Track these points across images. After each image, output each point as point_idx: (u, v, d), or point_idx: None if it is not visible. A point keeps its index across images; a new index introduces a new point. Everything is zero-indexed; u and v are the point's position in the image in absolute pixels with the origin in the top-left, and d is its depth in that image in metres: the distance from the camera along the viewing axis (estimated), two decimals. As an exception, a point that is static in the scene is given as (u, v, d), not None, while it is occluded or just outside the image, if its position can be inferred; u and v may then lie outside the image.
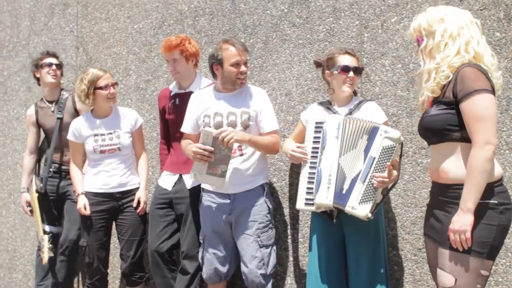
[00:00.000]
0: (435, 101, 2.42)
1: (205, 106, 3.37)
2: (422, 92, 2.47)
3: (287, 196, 3.73)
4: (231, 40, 3.34)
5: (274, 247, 3.37)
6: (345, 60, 3.12)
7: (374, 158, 2.85)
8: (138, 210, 3.76)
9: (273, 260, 3.34)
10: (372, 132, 2.89)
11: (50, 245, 3.95)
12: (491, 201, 2.28)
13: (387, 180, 2.84)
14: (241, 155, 3.29)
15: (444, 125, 2.35)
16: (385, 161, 2.84)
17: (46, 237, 3.95)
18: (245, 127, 3.29)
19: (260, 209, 3.30)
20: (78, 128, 3.79)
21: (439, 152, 2.43)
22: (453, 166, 2.36)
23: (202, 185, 3.42)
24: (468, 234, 2.24)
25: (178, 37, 3.63)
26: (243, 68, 3.29)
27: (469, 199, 2.24)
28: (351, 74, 3.10)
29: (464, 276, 2.28)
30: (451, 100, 2.34)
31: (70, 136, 3.82)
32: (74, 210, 3.99)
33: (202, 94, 3.46)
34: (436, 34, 2.41)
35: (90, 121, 3.80)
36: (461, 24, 2.39)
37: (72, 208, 4.05)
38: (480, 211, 2.26)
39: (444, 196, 2.39)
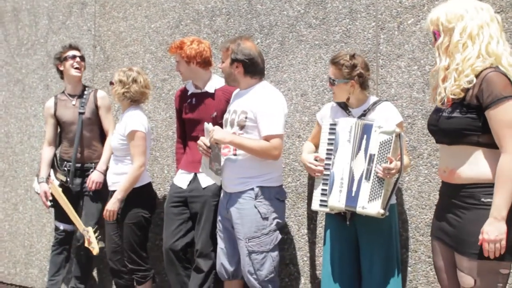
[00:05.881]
0: (456, 103, 2.36)
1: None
2: (439, 91, 2.39)
3: (302, 197, 3.74)
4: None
5: (273, 253, 3.20)
6: (330, 70, 3.11)
7: (374, 155, 2.85)
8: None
9: (268, 266, 3.18)
10: (368, 131, 2.89)
11: (99, 236, 3.95)
12: None
13: (393, 171, 2.81)
14: (235, 155, 3.27)
15: (463, 127, 2.32)
16: (385, 155, 2.83)
17: (90, 229, 3.94)
18: (241, 127, 3.24)
19: (248, 213, 3.19)
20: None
21: (451, 154, 2.40)
22: (468, 168, 2.33)
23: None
24: (504, 243, 2.21)
25: (183, 39, 3.67)
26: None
27: (504, 207, 2.20)
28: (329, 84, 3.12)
29: (483, 277, 2.28)
30: (474, 104, 2.29)
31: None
32: (91, 205, 4.07)
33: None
34: (454, 32, 2.34)
35: None
36: (481, 22, 2.32)
37: (88, 203, 4.12)
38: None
39: (455, 197, 2.37)
